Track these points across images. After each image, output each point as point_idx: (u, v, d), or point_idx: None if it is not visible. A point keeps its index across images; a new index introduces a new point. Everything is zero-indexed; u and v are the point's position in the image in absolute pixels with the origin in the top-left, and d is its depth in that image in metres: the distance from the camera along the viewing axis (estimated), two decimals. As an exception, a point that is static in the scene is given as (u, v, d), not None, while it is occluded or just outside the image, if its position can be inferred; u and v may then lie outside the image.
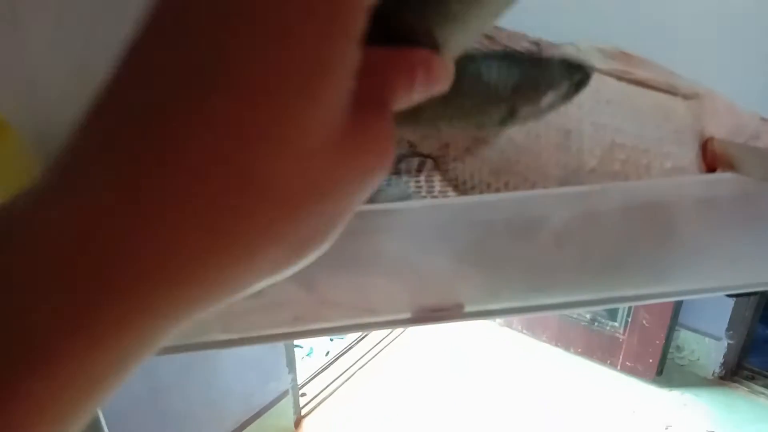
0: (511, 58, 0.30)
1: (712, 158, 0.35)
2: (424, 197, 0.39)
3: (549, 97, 0.30)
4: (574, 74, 0.30)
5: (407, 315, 0.37)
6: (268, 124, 0.14)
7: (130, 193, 0.13)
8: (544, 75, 0.30)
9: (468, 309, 0.38)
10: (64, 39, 0.35)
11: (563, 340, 2.37)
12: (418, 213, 0.34)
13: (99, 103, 0.15)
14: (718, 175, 0.34)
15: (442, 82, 0.21)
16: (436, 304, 0.37)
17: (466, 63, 0.28)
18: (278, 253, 0.16)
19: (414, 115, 0.25)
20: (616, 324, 2.20)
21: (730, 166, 0.34)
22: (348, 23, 0.15)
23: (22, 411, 0.13)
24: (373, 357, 2.36)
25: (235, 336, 0.35)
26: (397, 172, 0.40)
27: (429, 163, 0.39)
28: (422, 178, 0.39)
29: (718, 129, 0.35)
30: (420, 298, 0.37)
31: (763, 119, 0.37)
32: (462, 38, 0.23)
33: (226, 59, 0.14)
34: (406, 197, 0.37)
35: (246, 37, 0.14)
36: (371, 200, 0.37)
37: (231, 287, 0.16)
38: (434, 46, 0.22)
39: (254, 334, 0.35)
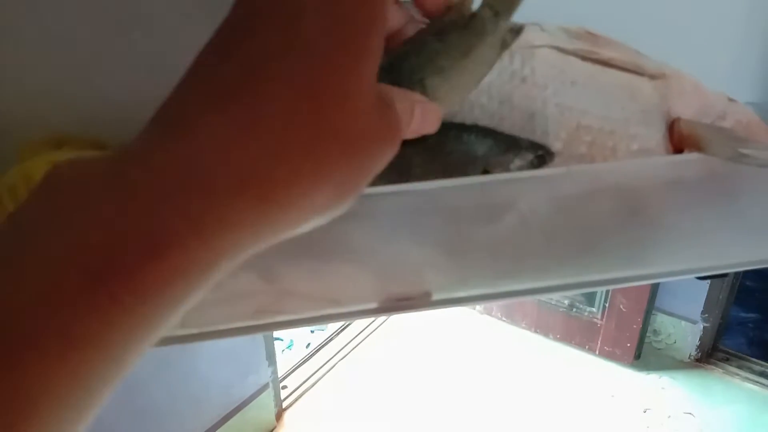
0: (486, 130, 0.34)
1: (679, 139, 0.34)
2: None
3: (516, 164, 0.33)
4: (538, 150, 0.33)
5: (374, 305, 0.36)
6: (334, 81, 0.19)
7: (243, 132, 0.18)
8: (513, 145, 0.33)
9: (436, 297, 0.37)
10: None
11: (542, 326, 2.39)
12: (382, 199, 0.33)
13: (194, 74, 0.20)
14: (686, 156, 0.34)
15: (432, 124, 0.26)
16: (403, 293, 0.36)
17: (450, 127, 0.33)
18: (329, 191, 0.20)
19: (407, 169, 0.32)
20: (594, 309, 2.23)
21: (697, 146, 0.33)
22: None
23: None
24: (354, 348, 2.36)
25: (194, 331, 0.34)
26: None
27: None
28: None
29: (684, 109, 0.35)
30: (386, 287, 0.36)
31: (729, 99, 0.37)
32: (451, 89, 0.29)
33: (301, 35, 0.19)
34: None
35: (314, 15, 0.19)
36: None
37: (294, 219, 0.20)
38: (426, 93, 0.27)
39: (214, 328, 0.34)
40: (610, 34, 0.36)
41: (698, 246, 0.35)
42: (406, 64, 0.28)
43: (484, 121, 0.33)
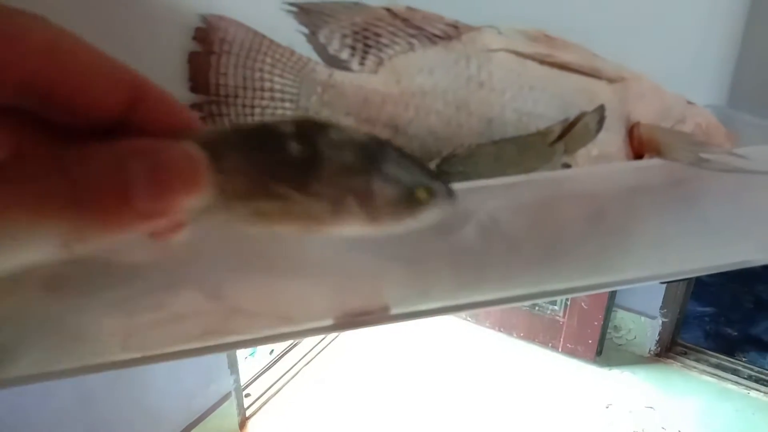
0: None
1: (639, 144, 0.34)
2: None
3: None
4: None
5: (329, 321, 0.34)
6: None
7: None
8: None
9: (395, 311, 0.35)
10: None
11: (506, 325, 2.40)
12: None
13: None
14: (647, 162, 0.33)
15: None
16: (361, 308, 0.35)
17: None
18: None
19: None
20: (556, 308, 2.25)
21: (657, 151, 0.33)
22: None
23: None
24: (318, 353, 2.33)
25: (136, 355, 0.32)
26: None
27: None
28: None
29: (644, 113, 0.34)
30: (342, 303, 0.34)
31: (688, 102, 0.36)
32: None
33: None
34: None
35: None
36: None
37: None
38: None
39: (158, 351, 0.32)
40: (568, 36, 0.35)
41: (661, 251, 0.34)
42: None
43: (439, 128, 0.32)
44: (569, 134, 0.31)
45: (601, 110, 0.32)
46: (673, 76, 0.37)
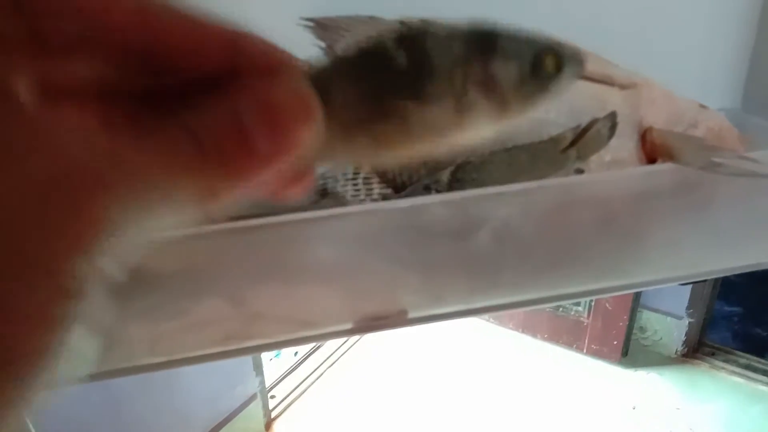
0: None
1: (651, 149, 0.34)
2: (363, 201, 0.37)
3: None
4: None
5: (348, 325, 0.35)
6: None
7: None
8: None
9: (412, 315, 0.36)
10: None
11: (529, 326, 2.39)
12: (352, 218, 0.32)
13: None
14: (659, 166, 0.34)
15: None
16: (378, 312, 0.36)
17: None
18: None
19: None
20: (580, 309, 2.23)
21: (669, 156, 0.33)
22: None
23: None
24: (342, 354, 2.35)
25: (162, 359, 0.33)
26: (332, 176, 0.38)
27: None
28: (360, 181, 0.37)
29: (656, 118, 0.34)
30: (360, 307, 0.35)
31: (701, 106, 0.36)
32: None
33: None
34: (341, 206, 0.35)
35: None
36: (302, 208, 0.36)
37: None
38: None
39: (183, 355, 0.33)
40: (578, 43, 0.35)
41: (673, 255, 0.34)
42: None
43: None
44: (581, 141, 0.31)
45: (613, 116, 0.32)
46: (686, 80, 0.37)
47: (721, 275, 0.34)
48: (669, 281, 0.35)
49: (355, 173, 0.37)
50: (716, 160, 0.32)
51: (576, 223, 0.33)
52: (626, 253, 0.34)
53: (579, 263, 0.34)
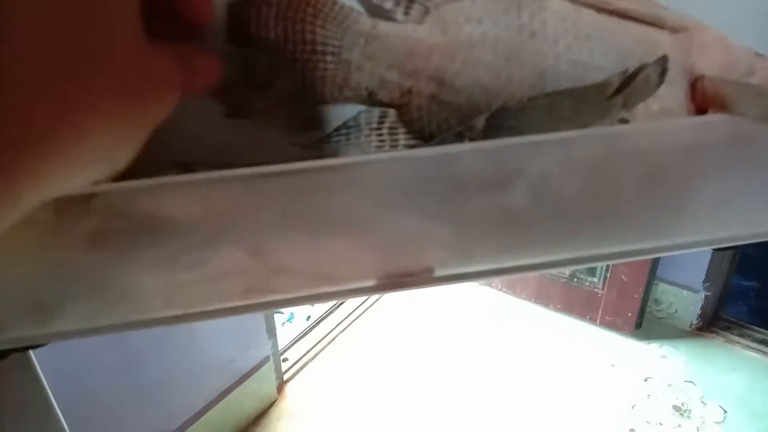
0: None
1: (702, 98, 0.32)
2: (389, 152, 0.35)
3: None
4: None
5: (372, 282, 0.33)
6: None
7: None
8: None
9: (439, 273, 0.34)
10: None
11: (543, 296, 2.38)
12: (378, 167, 0.30)
13: None
14: (710, 117, 0.31)
15: (213, 76, 0.29)
16: (404, 269, 0.34)
17: None
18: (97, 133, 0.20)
19: None
20: (595, 279, 2.21)
21: (723, 106, 0.31)
22: None
23: None
24: (355, 320, 2.36)
25: (178, 312, 0.31)
26: (356, 125, 0.36)
27: (391, 113, 0.35)
28: (384, 131, 0.35)
29: (708, 66, 0.32)
30: (385, 263, 0.33)
31: (757, 54, 0.34)
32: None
33: None
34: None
35: None
36: (324, 155, 0.34)
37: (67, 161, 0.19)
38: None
39: (200, 309, 0.31)
40: (626, -17, 0.32)
41: (723, 214, 0.32)
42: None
43: (488, 80, 0.30)
44: (629, 87, 0.29)
45: (663, 62, 0.30)
46: (740, 26, 0.34)
47: (774, 236, 0.32)
48: (716, 243, 0.32)
49: (380, 122, 0.35)
50: (775, 110, 0.29)
51: (619, 178, 0.31)
52: (672, 211, 0.32)
53: (621, 221, 0.32)
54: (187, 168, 0.32)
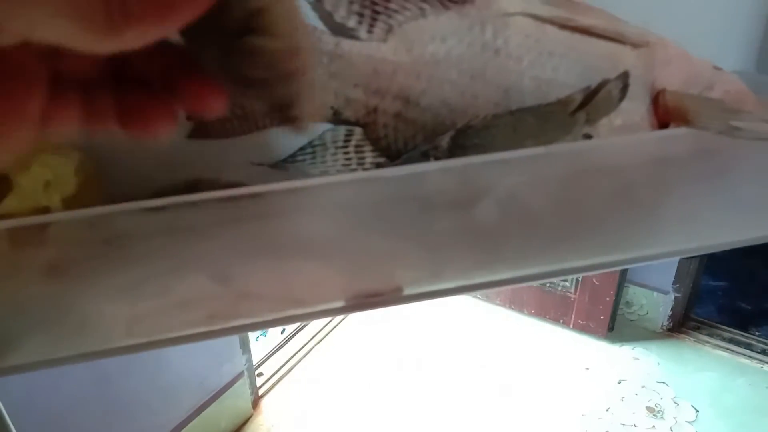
0: None
1: (664, 112, 0.32)
2: (355, 170, 0.35)
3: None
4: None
5: (340, 303, 0.33)
6: None
7: None
8: None
9: (408, 291, 0.34)
10: None
11: (517, 302, 2.39)
12: (343, 188, 0.30)
13: None
14: (673, 131, 0.31)
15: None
16: (372, 290, 0.33)
17: None
18: None
19: None
20: (568, 284, 2.24)
21: (684, 120, 0.31)
22: None
23: None
24: (329, 332, 2.34)
25: (142, 340, 0.30)
26: (322, 144, 0.35)
27: (357, 131, 0.34)
28: (351, 149, 0.35)
29: (670, 79, 0.32)
30: (353, 284, 0.33)
31: (716, 68, 0.34)
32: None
33: None
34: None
35: None
36: (288, 177, 0.33)
37: None
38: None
39: (163, 336, 0.30)
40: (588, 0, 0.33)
41: (688, 226, 0.32)
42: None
43: (453, 98, 0.30)
44: (591, 103, 0.29)
45: (625, 77, 0.30)
46: (699, 40, 0.35)
47: (739, 246, 0.32)
48: (683, 253, 0.33)
49: (346, 140, 0.35)
50: (735, 124, 0.30)
51: (585, 193, 0.31)
52: (638, 224, 0.32)
53: (589, 235, 0.32)
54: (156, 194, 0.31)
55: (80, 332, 0.30)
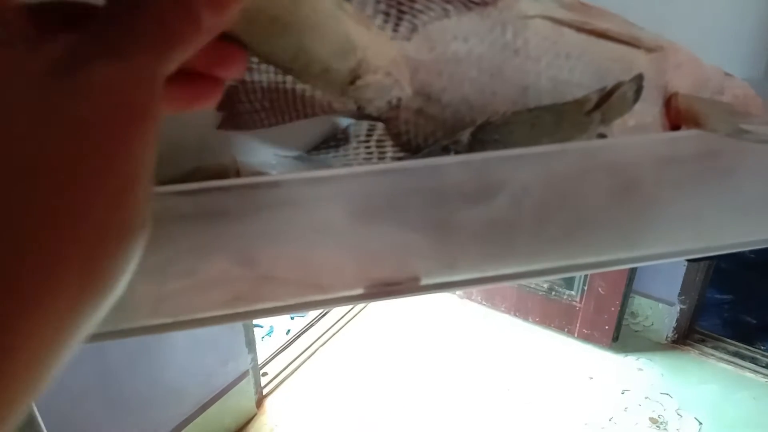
0: None
1: (676, 114, 0.33)
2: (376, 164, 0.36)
3: None
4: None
5: (359, 291, 0.34)
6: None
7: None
8: None
9: (424, 282, 0.35)
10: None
11: (522, 309, 2.39)
12: (364, 179, 0.31)
13: None
14: (683, 133, 0.33)
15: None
16: (390, 278, 0.35)
17: None
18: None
19: None
20: (573, 292, 2.24)
21: (695, 122, 0.32)
22: None
23: None
24: (334, 334, 2.35)
25: (167, 320, 0.32)
26: (345, 137, 0.37)
27: (379, 126, 0.36)
28: (372, 143, 0.36)
29: (682, 83, 0.33)
30: (372, 272, 0.34)
31: (726, 74, 0.35)
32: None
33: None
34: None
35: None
36: (312, 169, 0.34)
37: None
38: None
39: (188, 317, 0.32)
40: (604, 5, 0.34)
41: (695, 225, 0.34)
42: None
43: (473, 95, 0.31)
44: (606, 103, 0.30)
45: (639, 79, 0.31)
46: (710, 47, 0.36)
47: (744, 248, 0.33)
48: (689, 253, 0.34)
49: (368, 135, 0.36)
50: (744, 127, 0.31)
51: (596, 190, 0.32)
52: (647, 221, 0.33)
53: (598, 231, 0.33)
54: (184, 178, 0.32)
55: (109, 310, 0.32)
